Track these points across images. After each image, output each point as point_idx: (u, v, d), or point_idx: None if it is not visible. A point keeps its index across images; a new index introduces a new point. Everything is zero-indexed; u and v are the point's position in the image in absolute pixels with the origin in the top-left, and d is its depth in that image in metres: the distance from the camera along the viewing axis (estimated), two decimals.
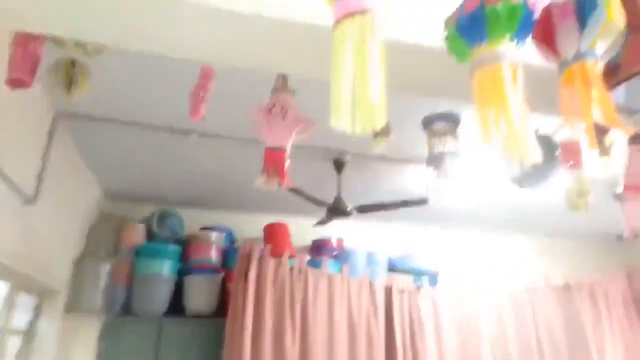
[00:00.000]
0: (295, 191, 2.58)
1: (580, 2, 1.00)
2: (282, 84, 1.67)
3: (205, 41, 1.29)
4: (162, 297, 3.04)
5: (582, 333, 3.33)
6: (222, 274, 3.24)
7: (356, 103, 0.87)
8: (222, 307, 3.09)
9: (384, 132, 1.84)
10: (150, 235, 3.24)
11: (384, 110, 0.88)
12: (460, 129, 1.89)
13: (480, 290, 3.44)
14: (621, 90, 1.12)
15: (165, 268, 3.05)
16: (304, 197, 2.72)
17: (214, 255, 3.26)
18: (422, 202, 2.82)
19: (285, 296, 2.94)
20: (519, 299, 3.47)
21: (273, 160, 1.60)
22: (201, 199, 3.61)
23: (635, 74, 1.03)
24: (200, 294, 3.12)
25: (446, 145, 1.89)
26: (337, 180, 2.96)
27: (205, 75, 1.54)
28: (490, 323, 3.36)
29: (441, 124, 1.90)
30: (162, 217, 3.33)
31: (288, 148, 1.63)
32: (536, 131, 1.99)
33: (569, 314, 3.39)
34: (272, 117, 1.60)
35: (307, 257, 3.34)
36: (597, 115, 0.96)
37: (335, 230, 3.70)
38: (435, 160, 1.88)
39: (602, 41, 1.00)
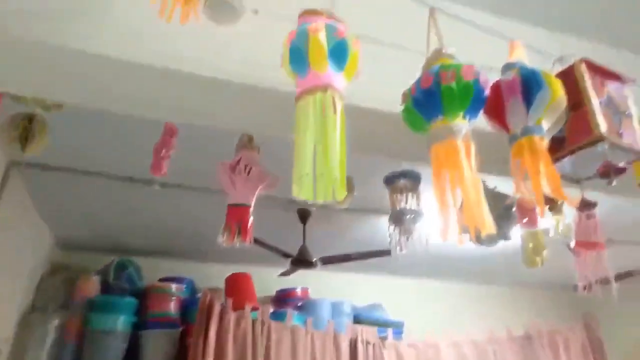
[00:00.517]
0: (259, 242, 2.55)
1: (527, 81, 1.07)
2: (247, 140, 1.69)
3: (168, 102, 1.29)
4: (115, 354, 2.86)
5: None
6: (180, 328, 3.10)
7: (317, 175, 0.89)
8: None
9: (348, 189, 1.86)
10: (106, 287, 3.09)
11: (344, 185, 0.90)
12: (421, 187, 1.94)
13: (444, 340, 3.43)
14: (567, 161, 1.19)
15: (120, 322, 2.90)
16: (268, 248, 2.69)
17: (173, 308, 3.13)
18: (385, 253, 2.83)
19: (247, 352, 2.83)
20: (482, 349, 3.48)
21: (236, 217, 1.59)
22: (162, 248, 3.51)
23: (578, 148, 1.10)
24: (157, 350, 2.97)
25: (408, 201, 1.93)
26: (302, 231, 2.95)
27: (169, 132, 1.53)
28: None
29: (403, 181, 1.95)
30: (120, 267, 3.20)
31: (252, 205, 1.62)
32: (494, 189, 2.08)
33: None
34: (236, 174, 1.60)
35: (271, 309, 3.26)
36: (545, 187, 1.01)
37: (301, 280, 3.65)
38: (396, 216, 1.91)
39: (547, 118, 1.07)
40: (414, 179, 1.96)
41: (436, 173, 0.99)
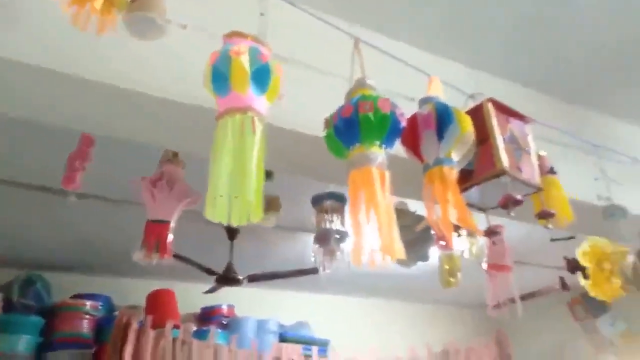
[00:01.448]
0: (181, 258, 2.46)
1: (440, 116, 1.15)
2: (171, 155, 1.65)
3: (85, 112, 1.24)
4: None
5: None
6: (92, 349, 2.90)
7: (232, 197, 0.89)
8: None
9: (274, 207, 1.87)
10: (9, 305, 2.83)
11: (260, 208, 0.90)
12: (347, 208, 1.98)
13: (367, 357, 3.49)
14: (474, 191, 1.28)
15: (23, 343, 2.66)
16: (191, 265, 2.61)
17: (85, 327, 2.92)
18: (313, 271, 2.85)
19: None
20: None
21: (155, 234, 1.54)
22: (77, 263, 3.29)
23: (483, 180, 1.19)
24: None
25: (333, 222, 1.97)
26: (229, 247, 2.90)
27: (85, 143, 1.46)
28: None
29: (329, 202, 1.99)
30: (26, 283, 2.94)
31: (173, 222, 1.58)
32: (414, 212, 2.17)
33: None
34: (157, 189, 1.55)
35: (194, 327, 3.15)
36: (453, 215, 1.08)
37: (228, 297, 3.57)
38: (321, 236, 1.94)
39: (456, 150, 1.15)
40: (340, 201, 2.00)
41: (352, 197, 1.02)
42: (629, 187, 1.93)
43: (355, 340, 3.86)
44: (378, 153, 1.04)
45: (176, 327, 2.96)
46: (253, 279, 2.85)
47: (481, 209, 1.31)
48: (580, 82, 1.94)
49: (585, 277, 2.37)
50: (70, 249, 3.07)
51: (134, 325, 2.73)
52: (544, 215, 1.30)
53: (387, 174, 1.03)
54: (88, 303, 3.01)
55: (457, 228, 1.75)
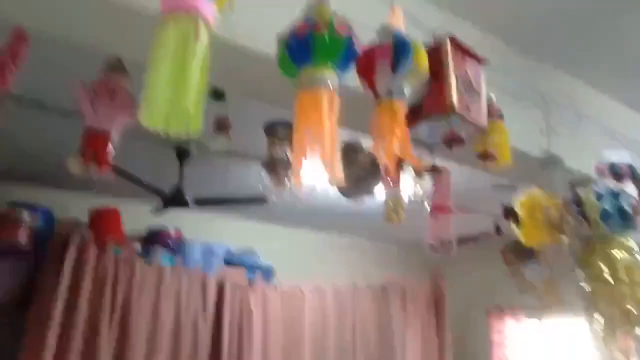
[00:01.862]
0: (123, 174, 2.39)
1: (396, 48, 1.12)
2: (115, 62, 1.54)
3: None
4: None
5: (390, 328, 3.77)
6: (30, 261, 2.85)
7: (171, 105, 0.84)
8: (28, 299, 2.71)
9: (224, 128, 1.82)
10: None
11: (200, 118, 0.87)
12: None
13: (308, 287, 3.65)
14: (422, 128, 1.30)
15: None
16: (136, 183, 2.55)
17: (22, 237, 2.84)
18: (262, 200, 2.87)
19: (105, 290, 2.71)
20: (343, 297, 3.77)
21: (93, 144, 1.47)
22: (16, 172, 3.13)
23: (432, 116, 1.20)
24: None
25: (285, 151, 1.95)
26: (179, 169, 2.85)
27: (18, 37, 1.33)
28: (314, 318, 3.58)
29: (282, 129, 1.96)
30: None
31: (114, 133, 1.51)
32: (365, 147, 2.19)
33: (382, 311, 3.81)
34: (98, 97, 1.46)
35: (139, 247, 3.14)
36: (396, 147, 1.09)
37: (175, 221, 3.56)
38: (271, 163, 1.93)
39: (409, 84, 1.14)
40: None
41: (298, 118, 1.01)
42: (569, 142, 2.02)
43: (299, 270, 4.01)
44: (329, 75, 1.01)
45: (119, 245, 2.94)
46: (201, 202, 2.84)
47: (427, 147, 1.33)
48: (539, 35, 1.95)
49: (518, 224, 2.52)
50: (8, 158, 2.91)
51: (75, 240, 2.69)
52: (485, 157, 1.34)
53: (337, 99, 1.02)
54: (24, 213, 2.90)
55: (400, 162, 1.79)
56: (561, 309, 4.44)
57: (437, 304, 4.25)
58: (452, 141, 1.18)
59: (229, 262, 3.63)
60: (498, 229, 2.64)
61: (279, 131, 1.97)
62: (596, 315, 1.55)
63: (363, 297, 3.82)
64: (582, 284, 1.57)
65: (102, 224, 3.03)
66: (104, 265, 2.75)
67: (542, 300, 4.70)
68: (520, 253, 4.76)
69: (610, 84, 2.33)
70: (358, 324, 3.73)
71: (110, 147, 1.45)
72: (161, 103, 0.84)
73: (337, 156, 0.99)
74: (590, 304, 1.57)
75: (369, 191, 2.06)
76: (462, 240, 4.76)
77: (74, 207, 3.30)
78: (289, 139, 1.99)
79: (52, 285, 2.53)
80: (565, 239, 1.85)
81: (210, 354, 3.06)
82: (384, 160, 1.11)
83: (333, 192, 2.50)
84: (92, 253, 2.72)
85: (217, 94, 1.71)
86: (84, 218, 3.17)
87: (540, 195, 2.36)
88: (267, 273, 3.74)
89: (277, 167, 1.88)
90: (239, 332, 3.23)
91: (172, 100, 0.84)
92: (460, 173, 2.42)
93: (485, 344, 4.81)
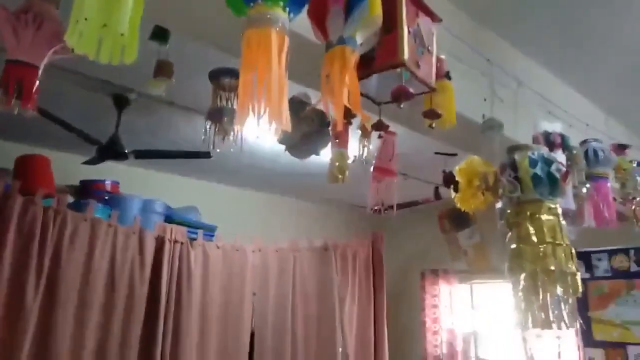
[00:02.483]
0: (55, 119, 2.22)
1: None
2: None
3: None
4: None
5: (330, 287, 3.86)
6: None
7: (103, 29, 0.77)
8: None
9: (166, 73, 1.71)
10: None
11: (135, 47, 0.80)
12: None
13: (250, 246, 3.64)
14: (374, 81, 1.28)
15: None
16: (68, 129, 2.38)
17: None
18: (205, 155, 2.78)
19: (33, 243, 2.54)
20: (284, 255, 3.80)
21: (17, 77, 1.33)
22: None
23: (383, 68, 1.18)
24: None
25: (230, 101, 1.88)
26: (117, 118, 2.69)
27: None
28: (254, 276, 3.59)
29: (228, 79, 1.88)
30: None
31: (41, 66, 1.37)
32: (316, 105, 2.15)
33: (323, 271, 3.89)
34: (21, 24, 1.32)
35: (70, 199, 2.96)
36: (345, 98, 1.07)
37: (112, 174, 3.39)
38: (216, 114, 1.85)
39: (361, 32, 1.11)
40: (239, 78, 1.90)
41: (245, 58, 0.95)
42: (510, 111, 2.09)
43: (241, 230, 3.98)
44: (280, 15, 0.96)
45: (49, 195, 2.75)
46: (140, 155, 2.71)
47: (375, 102, 1.32)
48: (489, 2, 1.98)
49: (456, 190, 2.62)
50: None
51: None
52: (431, 115, 1.35)
53: (287, 40, 0.97)
54: None
55: (347, 115, 1.78)
56: (490, 273, 4.77)
57: (375, 265, 4.39)
58: (400, 95, 1.17)
59: (170, 219, 3.53)
60: (437, 193, 2.74)
61: (224, 80, 1.88)
62: (519, 274, 1.65)
63: (304, 256, 3.87)
64: (508, 243, 1.66)
65: (29, 172, 2.82)
66: (32, 216, 2.57)
67: (473, 267, 5.03)
68: (456, 220, 5.02)
69: (550, 60, 2.43)
70: (298, 282, 3.79)
71: (36, 82, 1.32)
72: (92, 25, 0.76)
73: (285, 103, 0.95)
74: (514, 264, 1.66)
75: (316, 149, 2.04)
76: (404, 205, 4.93)
77: (4, 157, 3.05)
78: (235, 89, 1.92)
79: None
80: (498, 203, 1.94)
81: (147, 310, 2.99)
82: (332, 112, 1.08)
83: (277, 150, 2.47)
84: (18, 203, 2.53)
85: (160, 35, 1.59)
86: (11, 166, 2.95)
87: (478, 162, 2.46)
88: (209, 231, 3.68)
89: (221, 118, 1.81)
90: (177, 288, 3.17)
91: (105, 23, 0.76)
92: (405, 141, 2.46)
93: (418, 305, 5.09)
